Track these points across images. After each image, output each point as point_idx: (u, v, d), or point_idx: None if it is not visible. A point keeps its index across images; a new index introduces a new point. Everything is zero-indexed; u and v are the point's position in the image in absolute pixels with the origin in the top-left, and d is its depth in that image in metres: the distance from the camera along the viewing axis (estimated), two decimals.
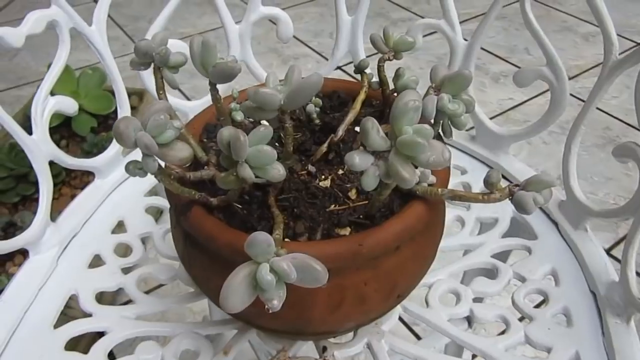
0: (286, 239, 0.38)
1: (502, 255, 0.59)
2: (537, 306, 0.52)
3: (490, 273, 0.55)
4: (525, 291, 0.52)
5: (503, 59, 1.80)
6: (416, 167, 0.40)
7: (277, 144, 0.46)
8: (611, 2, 0.53)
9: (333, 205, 0.40)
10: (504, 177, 0.64)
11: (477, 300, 0.53)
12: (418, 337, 1.01)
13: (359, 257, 0.37)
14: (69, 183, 1.05)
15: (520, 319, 0.50)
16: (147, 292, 0.54)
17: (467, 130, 0.66)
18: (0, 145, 1.06)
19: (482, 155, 0.65)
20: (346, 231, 0.39)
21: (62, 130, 1.16)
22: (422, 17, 0.64)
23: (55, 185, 1.02)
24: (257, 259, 0.31)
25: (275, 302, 0.31)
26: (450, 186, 0.63)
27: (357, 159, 0.32)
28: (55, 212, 0.59)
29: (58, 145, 1.13)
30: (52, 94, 0.60)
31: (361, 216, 0.39)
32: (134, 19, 2.02)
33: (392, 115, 0.32)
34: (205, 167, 0.42)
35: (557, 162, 0.98)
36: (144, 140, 0.33)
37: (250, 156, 0.33)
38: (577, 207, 0.55)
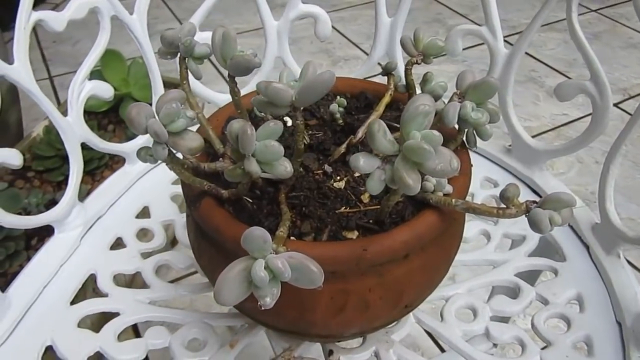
0: (292, 238, 0.38)
1: (530, 275, 0.56)
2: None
3: (513, 292, 0.53)
4: (546, 314, 0.50)
5: (561, 73, 1.73)
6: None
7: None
8: None
9: (344, 208, 0.39)
10: (537, 193, 0.61)
11: (497, 319, 0.51)
12: (442, 350, 0.98)
13: (363, 262, 0.36)
14: (112, 167, 1.08)
15: (544, 348, 0.48)
16: (174, 280, 0.55)
17: (509, 146, 0.65)
18: (52, 126, 1.10)
19: (516, 170, 0.63)
20: (353, 235, 0.38)
21: (111, 115, 1.20)
22: (480, 26, 0.62)
23: (98, 168, 1.06)
24: (253, 255, 0.31)
25: (268, 299, 0.31)
26: (480, 199, 0.61)
27: (362, 162, 0.31)
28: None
29: (105, 129, 1.17)
30: (104, 80, 0.62)
31: (371, 221, 0.38)
32: (193, 13, 2.06)
33: (401, 119, 0.31)
34: (221, 159, 0.42)
35: None
36: (154, 127, 0.34)
37: (257, 150, 0.33)
38: (611, 231, 0.52)
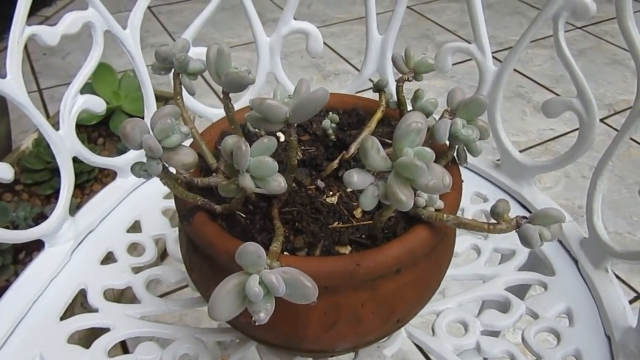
0: (285, 253, 0.38)
1: (520, 290, 0.57)
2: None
3: (503, 306, 0.53)
4: (536, 329, 0.50)
5: (547, 89, 1.76)
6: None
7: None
8: None
9: (336, 223, 0.40)
10: (525, 208, 0.62)
11: (487, 333, 0.51)
12: None
13: (356, 277, 0.36)
14: (101, 180, 1.08)
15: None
16: (163, 295, 0.55)
17: (497, 161, 0.66)
18: (41, 139, 1.10)
19: (505, 185, 0.64)
20: (346, 250, 0.38)
21: (101, 128, 1.20)
22: (469, 42, 0.63)
23: (87, 181, 1.06)
24: (247, 270, 0.31)
25: (262, 314, 0.31)
26: (470, 214, 0.62)
27: (355, 178, 0.31)
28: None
29: (95, 142, 1.17)
30: (95, 93, 0.62)
31: (363, 236, 0.39)
32: (184, 27, 2.05)
33: (394, 136, 0.31)
34: (214, 174, 0.42)
35: None
36: (148, 142, 0.34)
37: (251, 166, 0.33)
38: (599, 246, 0.53)
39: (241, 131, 0.44)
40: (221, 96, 0.41)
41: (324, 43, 0.69)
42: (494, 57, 0.63)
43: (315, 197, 0.41)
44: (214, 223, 0.39)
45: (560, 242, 0.58)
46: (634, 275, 1.15)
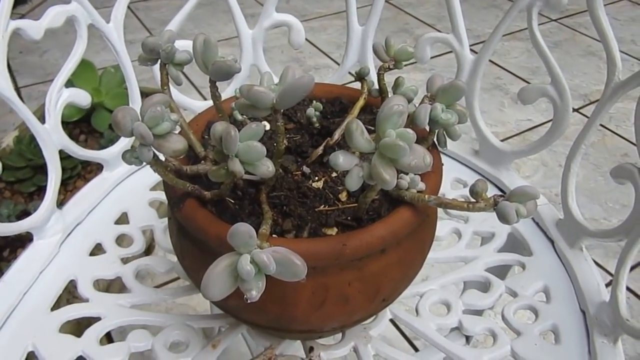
0: (274, 235, 0.39)
1: (500, 270, 0.59)
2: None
3: (484, 286, 0.55)
4: (515, 306, 0.52)
5: (524, 80, 1.79)
6: (406, 174, 0.41)
7: (275, 144, 0.47)
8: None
9: (323, 206, 0.41)
10: (504, 192, 0.64)
11: (470, 312, 0.53)
12: (416, 350, 1.01)
13: (343, 257, 0.38)
14: (84, 177, 1.08)
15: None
16: (158, 287, 0.56)
17: (477, 150, 0.68)
18: (22, 137, 1.10)
19: (484, 170, 0.66)
20: (333, 231, 0.40)
21: (82, 125, 1.19)
22: (447, 34, 0.65)
23: (70, 178, 1.05)
24: (239, 250, 0.32)
25: (254, 292, 0.32)
26: (450, 198, 0.64)
27: (341, 159, 0.33)
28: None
29: (77, 139, 1.17)
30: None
31: (349, 218, 0.40)
32: (162, 23, 2.06)
33: (377, 118, 0.33)
34: (203, 161, 0.44)
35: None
36: (139, 130, 0.35)
37: (240, 151, 0.35)
38: (573, 226, 0.56)
39: (228, 120, 0.45)
40: (201, 91, 0.42)
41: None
42: (471, 50, 0.65)
43: (302, 182, 0.43)
44: (204, 209, 0.40)
45: (537, 223, 0.60)
46: (609, 259, 1.18)
